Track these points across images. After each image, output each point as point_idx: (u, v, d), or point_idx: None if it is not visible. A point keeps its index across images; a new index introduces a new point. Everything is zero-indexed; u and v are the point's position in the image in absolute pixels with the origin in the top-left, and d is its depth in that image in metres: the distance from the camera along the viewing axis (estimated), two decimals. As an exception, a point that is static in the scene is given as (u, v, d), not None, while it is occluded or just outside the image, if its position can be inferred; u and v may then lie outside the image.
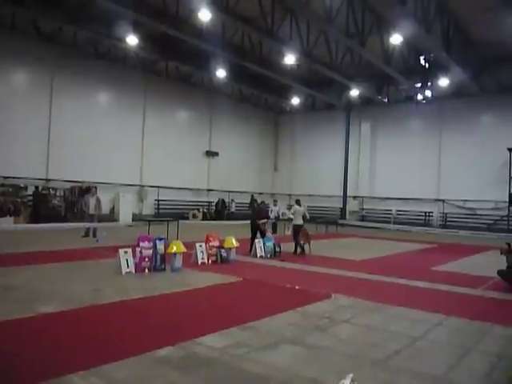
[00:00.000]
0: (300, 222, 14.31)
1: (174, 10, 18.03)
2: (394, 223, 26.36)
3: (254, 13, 18.37)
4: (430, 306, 7.50)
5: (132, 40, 19.80)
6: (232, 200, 30.37)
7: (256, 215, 14.50)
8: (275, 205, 22.75)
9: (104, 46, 23.14)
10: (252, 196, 30.02)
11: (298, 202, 14.96)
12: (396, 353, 5.15)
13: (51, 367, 4.35)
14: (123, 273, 9.21)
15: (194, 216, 27.11)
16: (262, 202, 16.82)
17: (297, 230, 14.24)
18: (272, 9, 18.50)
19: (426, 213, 28.70)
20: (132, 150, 25.97)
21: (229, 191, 30.24)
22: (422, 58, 22.72)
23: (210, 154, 30.88)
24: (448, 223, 27.69)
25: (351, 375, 3.35)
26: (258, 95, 32.26)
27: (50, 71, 22.10)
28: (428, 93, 25.41)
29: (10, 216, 19.41)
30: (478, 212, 26.88)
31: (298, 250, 13.83)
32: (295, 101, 30.60)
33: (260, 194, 33.99)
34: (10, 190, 19.91)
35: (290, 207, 17.54)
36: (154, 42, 21.58)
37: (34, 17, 19.64)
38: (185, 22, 18.84)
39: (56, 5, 18.12)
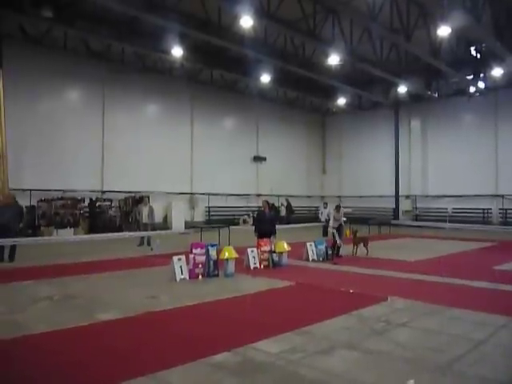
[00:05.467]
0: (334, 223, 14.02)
1: (216, 19, 18.31)
2: (450, 222, 25.39)
3: (296, 16, 18.33)
4: (492, 307, 7.15)
5: (177, 52, 20.22)
6: (281, 204, 30.31)
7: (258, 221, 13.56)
8: (325, 207, 22.50)
9: (150, 59, 23.83)
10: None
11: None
12: (458, 357, 4.92)
13: (111, 373, 4.48)
14: (177, 279, 9.37)
15: (245, 221, 27.27)
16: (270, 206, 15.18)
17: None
18: (313, 10, 18.40)
19: (483, 210, 27.45)
20: (182, 158, 26.51)
21: (278, 195, 30.22)
22: (472, 48, 21.86)
23: (258, 159, 31.02)
24: (509, 220, 26.35)
25: (412, 381, 3.25)
26: (303, 98, 32.11)
27: (101, 86, 23.01)
28: (481, 84, 24.45)
29: (70, 227, 20.35)
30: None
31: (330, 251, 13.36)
32: (341, 101, 30.15)
33: (309, 197, 33.91)
34: (69, 202, 20.88)
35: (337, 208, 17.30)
36: (198, 52, 21.96)
37: (84, 36, 20.52)
38: (227, 30, 19.05)
39: (104, 23, 18.86)
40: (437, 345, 5.37)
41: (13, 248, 12.51)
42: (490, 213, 27.44)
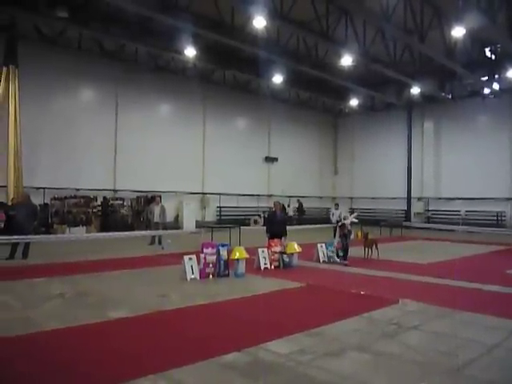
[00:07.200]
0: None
1: (229, 19, 18.34)
2: (463, 224, 25.14)
3: (309, 16, 18.29)
4: (505, 311, 7.06)
5: (190, 52, 20.30)
6: (288, 205, 30.11)
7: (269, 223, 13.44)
8: (336, 208, 22.39)
9: (163, 59, 23.96)
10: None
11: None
12: (471, 362, 4.87)
13: (123, 370, 4.51)
14: (188, 279, 9.41)
15: (256, 222, 27.27)
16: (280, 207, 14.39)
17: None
18: (326, 11, 18.33)
19: (497, 213, 27.14)
20: (194, 158, 26.60)
21: (289, 196, 30.17)
22: (487, 49, 21.67)
23: (270, 159, 31.02)
24: (523, 223, 26.04)
25: (423, 384, 3.22)
26: (316, 98, 32.05)
27: (114, 86, 23.18)
28: (495, 86, 24.25)
29: (82, 226, 20.54)
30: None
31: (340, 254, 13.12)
32: (353, 102, 30.06)
33: (320, 197, 33.79)
34: (82, 201, 21.08)
35: (351, 211, 17.19)
36: (211, 52, 22.03)
37: (98, 36, 20.70)
38: (240, 31, 19.07)
39: (118, 23, 19.00)
40: (448, 348, 5.32)
41: (26, 245, 12.67)
42: (504, 216, 27.12)
